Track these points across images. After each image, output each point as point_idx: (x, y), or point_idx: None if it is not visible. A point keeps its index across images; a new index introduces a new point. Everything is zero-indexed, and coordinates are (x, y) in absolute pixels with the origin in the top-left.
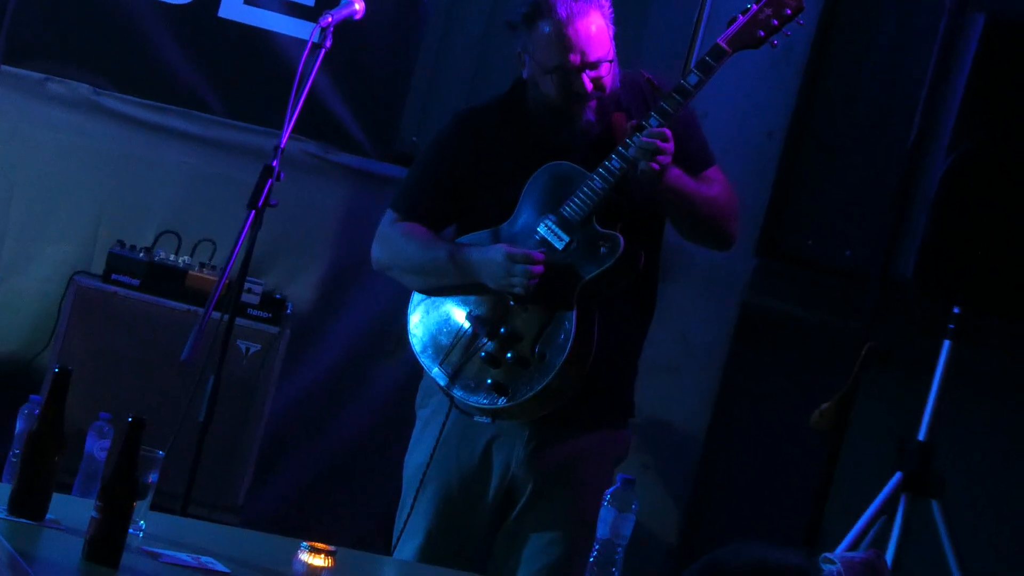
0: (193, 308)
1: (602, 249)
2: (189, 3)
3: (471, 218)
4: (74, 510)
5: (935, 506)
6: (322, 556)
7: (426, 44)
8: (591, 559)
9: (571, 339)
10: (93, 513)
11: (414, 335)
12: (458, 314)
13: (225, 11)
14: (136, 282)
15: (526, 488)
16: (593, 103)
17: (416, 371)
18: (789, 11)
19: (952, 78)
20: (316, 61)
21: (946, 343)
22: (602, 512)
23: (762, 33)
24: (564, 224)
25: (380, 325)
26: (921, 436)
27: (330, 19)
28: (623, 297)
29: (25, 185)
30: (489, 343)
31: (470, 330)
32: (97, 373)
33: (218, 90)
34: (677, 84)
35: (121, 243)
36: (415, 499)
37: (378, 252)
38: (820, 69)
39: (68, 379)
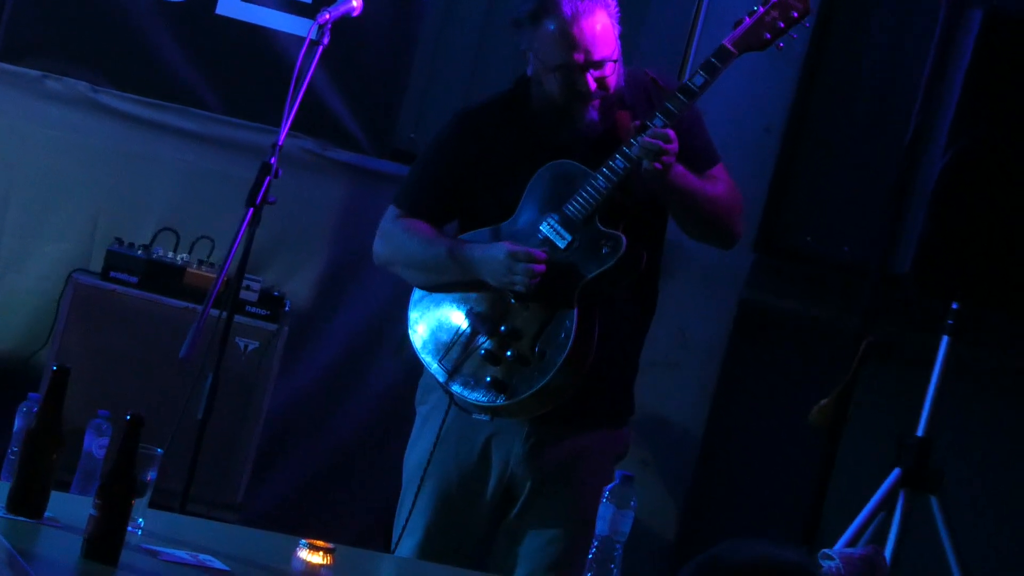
0: (191, 305)
1: (604, 249)
2: (187, 0)
3: (472, 215)
4: (73, 508)
5: (934, 502)
6: (321, 553)
7: (424, 41)
8: (590, 556)
9: (572, 338)
10: (92, 511)
11: (414, 331)
12: (459, 311)
13: (223, 8)
14: (134, 279)
15: (525, 485)
16: (597, 102)
17: (415, 368)
18: (796, 14)
19: (950, 73)
20: (314, 58)
21: (944, 338)
22: (601, 509)
23: (768, 35)
24: (566, 223)
25: (378, 322)
26: (920, 432)
27: (328, 16)
28: (624, 296)
29: (23, 183)
30: (489, 341)
31: (470, 327)
32: (95, 371)
33: (216, 87)
34: (682, 84)
35: (119, 240)
36: (416, 496)
37: (379, 247)
38: (818, 65)
39: (66, 377)
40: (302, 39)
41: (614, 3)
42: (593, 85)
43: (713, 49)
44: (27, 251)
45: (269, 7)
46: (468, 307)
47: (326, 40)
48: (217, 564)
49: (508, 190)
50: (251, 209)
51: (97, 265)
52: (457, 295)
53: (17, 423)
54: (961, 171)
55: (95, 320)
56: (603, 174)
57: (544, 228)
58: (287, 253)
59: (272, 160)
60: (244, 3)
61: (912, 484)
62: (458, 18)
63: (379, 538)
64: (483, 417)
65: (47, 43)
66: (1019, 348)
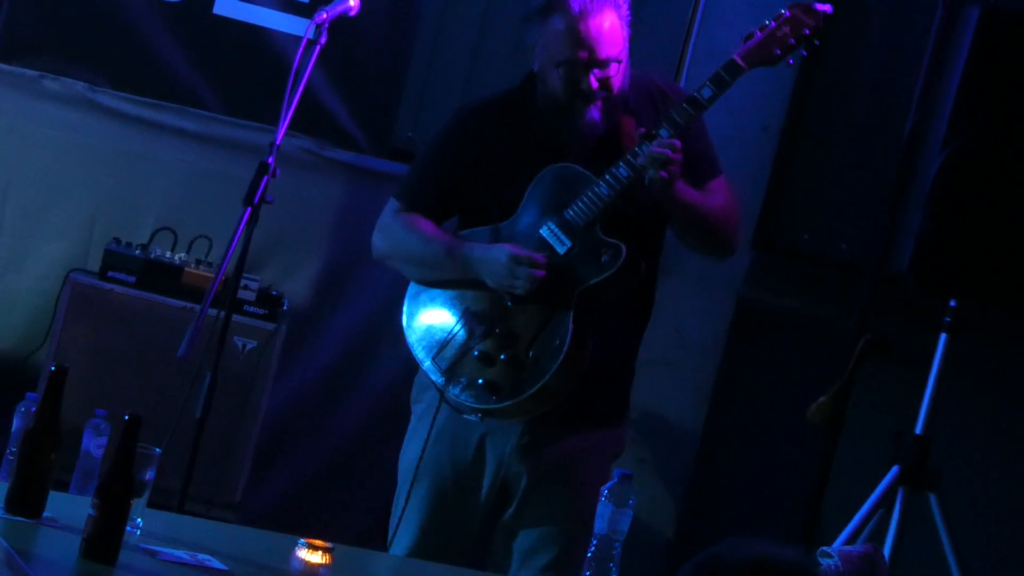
0: (189, 305)
1: (604, 257)
2: (184, 0)
3: (472, 212)
4: (71, 508)
5: (932, 499)
6: (320, 553)
7: (421, 40)
8: (589, 555)
9: (567, 344)
10: (90, 511)
11: (408, 325)
12: (454, 309)
13: (220, 8)
14: (132, 279)
15: (520, 484)
16: (599, 103)
17: (413, 367)
18: (808, 31)
19: (947, 72)
20: (311, 57)
21: (942, 336)
22: (599, 507)
23: (779, 51)
24: (567, 228)
25: (377, 321)
26: (918, 429)
27: (325, 15)
28: (621, 303)
29: (21, 182)
30: (484, 342)
31: (465, 327)
32: (93, 370)
33: (214, 87)
34: (690, 96)
35: (117, 240)
36: (409, 494)
37: (378, 241)
38: (815, 64)
39: (64, 376)
40: (299, 38)
41: (626, 6)
42: (595, 84)
43: (723, 62)
44: (25, 250)
45: (266, 7)
46: (464, 306)
47: (323, 39)
48: (216, 564)
49: (508, 189)
50: (249, 208)
51: (95, 264)
52: (453, 293)
53: (15, 423)
54: (959, 169)
55: (93, 319)
56: (606, 181)
57: (544, 232)
58: (285, 252)
59: (270, 159)
60: (242, 3)
61: (911, 482)
62: (456, 17)
63: (378, 537)
64: (473, 417)
65: (45, 43)
66: (1017, 346)
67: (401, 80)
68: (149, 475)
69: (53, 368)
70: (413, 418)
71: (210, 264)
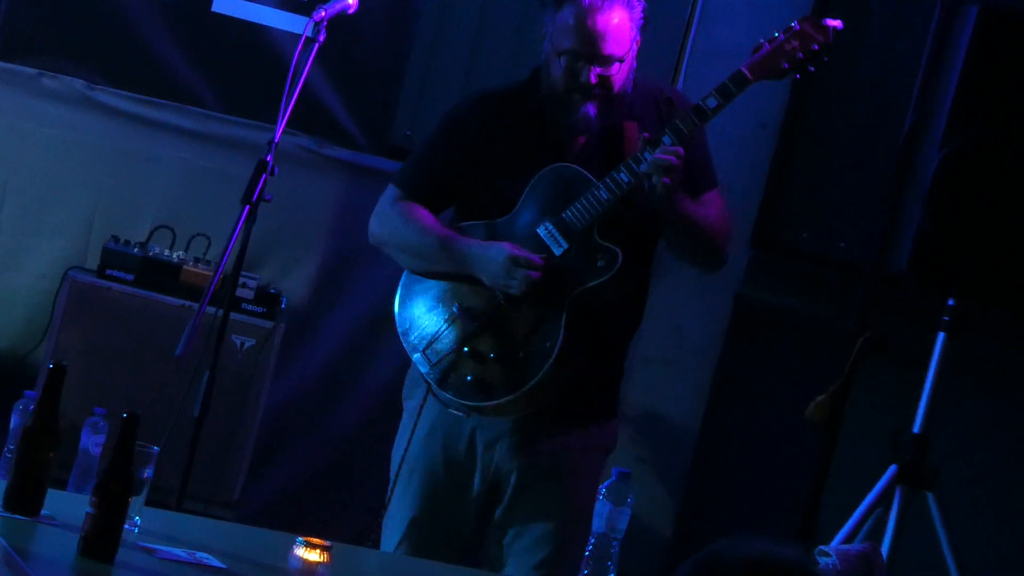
0: (188, 303)
1: (600, 262)
2: None
3: (469, 205)
4: (69, 506)
5: (930, 498)
6: (317, 551)
7: (419, 38)
8: (587, 553)
9: (557, 346)
10: (88, 509)
11: (399, 315)
12: (447, 303)
13: (219, 6)
14: (130, 277)
15: (510, 481)
16: (596, 100)
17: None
18: (816, 47)
19: (946, 70)
20: (309, 55)
21: (941, 335)
22: (598, 506)
23: (786, 65)
24: (564, 229)
25: (375, 319)
26: (916, 428)
27: (323, 13)
28: (614, 305)
29: (19, 180)
30: (475, 339)
31: (457, 322)
32: (92, 368)
33: (212, 85)
34: (695, 105)
35: (115, 238)
36: (392, 487)
37: (375, 227)
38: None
39: (63, 375)
40: (298, 36)
41: (639, 8)
42: (594, 79)
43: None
44: (23, 249)
45: (265, 4)
46: (457, 301)
47: (322, 37)
48: (213, 562)
49: (506, 184)
50: (247, 206)
51: (93, 263)
52: (447, 285)
53: (13, 421)
54: (957, 168)
55: (91, 318)
56: (607, 186)
57: (541, 231)
58: (283, 250)
59: (268, 157)
60: (240, 0)
61: (909, 480)
62: (454, 15)
63: (376, 536)
64: (459, 413)
65: (43, 41)
66: (1016, 345)
67: (399, 78)
68: (147, 473)
69: (51, 366)
70: (405, 414)
71: (208, 262)
